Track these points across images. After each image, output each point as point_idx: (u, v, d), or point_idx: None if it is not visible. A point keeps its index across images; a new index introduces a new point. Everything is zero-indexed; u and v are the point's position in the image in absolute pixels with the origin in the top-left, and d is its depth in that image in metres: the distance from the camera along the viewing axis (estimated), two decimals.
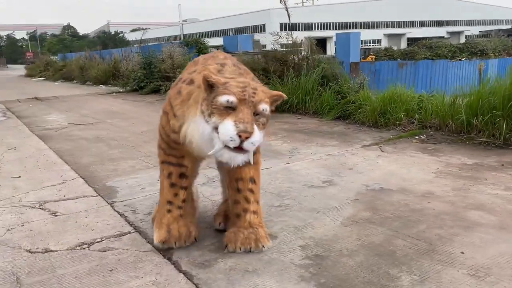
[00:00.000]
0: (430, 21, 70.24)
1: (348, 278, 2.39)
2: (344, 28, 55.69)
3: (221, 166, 2.87)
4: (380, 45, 54.75)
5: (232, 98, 2.21)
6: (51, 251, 2.84)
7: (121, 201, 3.77)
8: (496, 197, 3.54)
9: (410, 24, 69.25)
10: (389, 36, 65.36)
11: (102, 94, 14.03)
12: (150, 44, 23.64)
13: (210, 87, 2.29)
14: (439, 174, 4.20)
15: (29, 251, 2.85)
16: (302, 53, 9.12)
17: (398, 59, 24.04)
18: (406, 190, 3.80)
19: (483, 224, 3.04)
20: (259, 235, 2.71)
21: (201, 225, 3.06)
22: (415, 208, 3.38)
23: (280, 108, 8.41)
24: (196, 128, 2.36)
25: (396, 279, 2.36)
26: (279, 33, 9.65)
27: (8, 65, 63.94)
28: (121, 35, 79.47)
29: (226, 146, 2.18)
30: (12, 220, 3.39)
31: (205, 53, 16.05)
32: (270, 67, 9.02)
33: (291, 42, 9.33)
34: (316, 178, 4.20)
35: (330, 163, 4.72)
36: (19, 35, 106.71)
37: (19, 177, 4.58)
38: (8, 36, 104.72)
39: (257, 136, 2.20)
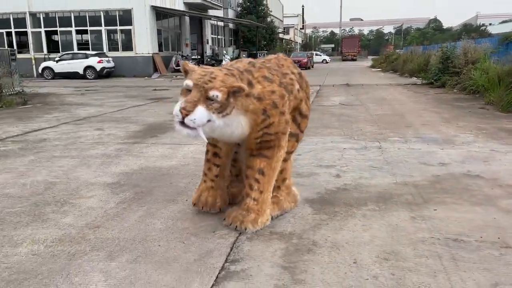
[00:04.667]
0: None
1: (321, 186, 3.95)
2: None
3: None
4: None
5: (189, 83, 2.61)
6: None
7: None
8: None
9: None
10: None
11: (398, 85, 15.69)
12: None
13: (186, 73, 2.73)
14: None
15: None
16: None
17: None
18: (471, 171, 4.37)
19: (485, 194, 3.60)
20: (246, 218, 3.03)
21: None
22: (447, 178, 4.18)
23: None
24: None
25: (362, 205, 3.53)
26: None
27: (369, 57, 72.75)
28: (483, 27, 75.07)
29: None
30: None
31: None
32: None
33: None
34: (422, 158, 4.96)
35: (469, 154, 5.12)
36: (387, 29, 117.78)
37: None
38: (377, 30, 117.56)
39: (198, 115, 2.51)
